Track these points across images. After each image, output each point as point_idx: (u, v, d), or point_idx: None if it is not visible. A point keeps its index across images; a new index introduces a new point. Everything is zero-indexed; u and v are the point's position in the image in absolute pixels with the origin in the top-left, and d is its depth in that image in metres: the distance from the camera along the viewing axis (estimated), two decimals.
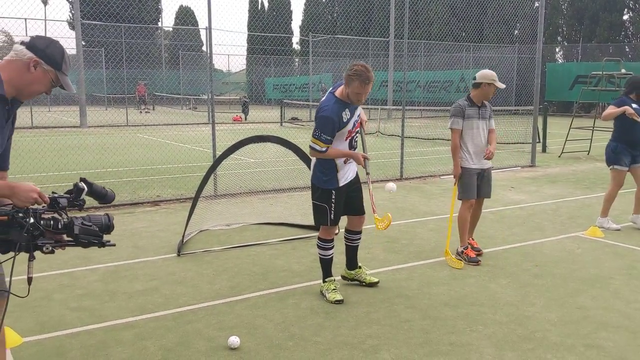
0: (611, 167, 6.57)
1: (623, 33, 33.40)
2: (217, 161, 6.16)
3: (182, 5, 51.32)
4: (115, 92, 31.87)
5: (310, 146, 4.20)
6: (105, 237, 2.41)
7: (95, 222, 2.38)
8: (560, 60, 35.95)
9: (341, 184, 4.31)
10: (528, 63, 25.61)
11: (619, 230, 6.50)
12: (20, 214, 2.24)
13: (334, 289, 4.41)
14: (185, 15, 49.32)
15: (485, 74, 5.28)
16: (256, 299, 4.43)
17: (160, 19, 45.70)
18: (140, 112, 29.10)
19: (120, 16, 29.56)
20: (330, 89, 4.35)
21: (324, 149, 4.15)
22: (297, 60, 47.58)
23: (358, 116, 4.36)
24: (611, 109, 6.48)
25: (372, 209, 4.38)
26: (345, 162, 4.32)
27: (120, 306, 4.26)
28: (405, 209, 7.69)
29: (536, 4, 27.56)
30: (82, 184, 2.41)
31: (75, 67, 20.52)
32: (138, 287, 4.67)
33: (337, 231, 4.55)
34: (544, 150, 14.36)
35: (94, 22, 25.92)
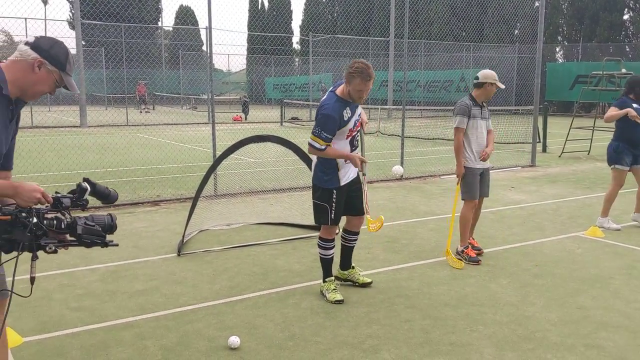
0: (612, 166, 6.57)
1: (623, 33, 33.39)
2: (217, 161, 6.16)
3: (182, 5, 51.33)
4: (116, 91, 31.88)
5: (309, 143, 4.20)
6: (108, 237, 2.42)
7: (98, 222, 2.39)
8: (560, 60, 35.95)
9: (342, 183, 4.31)
10: (528, 63, 25.60)
11: (619, 230, 6.50)
12: (24, 214, 2.25)
13: (334, 289, 4.41)
14: (185, 15, 49.31)
15: (488, 74, 5.30)
16: (256, 298, 4.43)
17: (160, 19, 45.71)
18: (141, 112, 29.10)
19: (121, 16, 29.56)
20: (331, 88, 4.35)
21: (323, 147, 4.14)
22: (297, 60, 47.57)
23: (359, 115, 4.36)
24: (613, 111, 6.48)
25: (365, 210, 4.37)
26: (346, 162, 4.31)
27: (121, 306, 4.26)
28: (405, 209, 7.69)
29: (536, 4, 27.56)
30: (85, 184, 2.42)
31: (75, 67, 20.47)
32: (138, 287, 4.67)
33: (337, 231, 4.55)
34: (544, 150, 14.36)
35: (94, 22, 25.91)
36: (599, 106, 22.94)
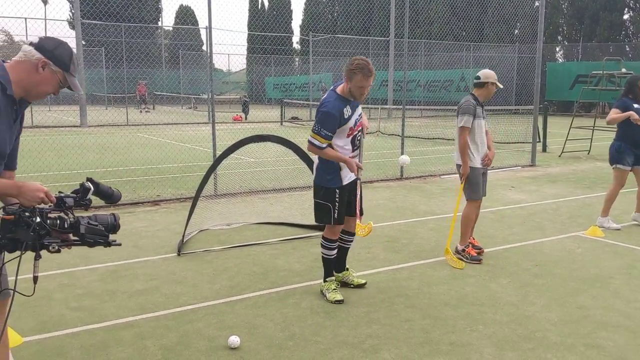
0: (614, 166, 6.58)
1: (623, 32, 33.39)
2: (217, 161, 6.16)
3: (182, 5, 51.31)
4: (116, 91, 31.89)
5: (309, 141, 4.20)
6: (111, 237, 2.43)
7: (102, 221, 2.40)
8: (560, 60, 35.95)
9: (344, 182, 4.31)
10: (528, 62, 25.61)
11: (619, 229, 6.50)
12: (27, 213, 2.26)
13: (334, 289, 4.41)
14: (185, 15, 49.30)
15: (489, 73, 5.32)
16: (256, 298, 4.43)
17: (160, 19, 45.70)
18: (141, 112, 29.11)
19: (121, 15, 29.55)
20: (331, 87, 4.35)
21: (324, 146, 4.15)
22: (297, 59, 47.58)
23: (360, 116, 4.36)
24: (615, 114, 6.48)
25: (357, 214, 4.34)
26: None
27: (120, 306, 4.26)
28: (405, 209, 7.69)
29: (536, 3, 27.55)
30: (89, 184, 2.43)
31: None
32: (138, 287, 4.67)
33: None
34: (544, 149, 14.35)
35: (94, 22, 25.90)
36: (599, 106, 22.92)
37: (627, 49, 32.65)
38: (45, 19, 35.30)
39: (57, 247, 2.30)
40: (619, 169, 6.54)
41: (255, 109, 31.03)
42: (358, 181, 4.36)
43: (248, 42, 47.78)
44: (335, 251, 4.45)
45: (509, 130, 16.31)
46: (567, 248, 5.82)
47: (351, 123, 4.24)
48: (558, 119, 24.90)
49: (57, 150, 12.40)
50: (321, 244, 4.46)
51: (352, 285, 4.65)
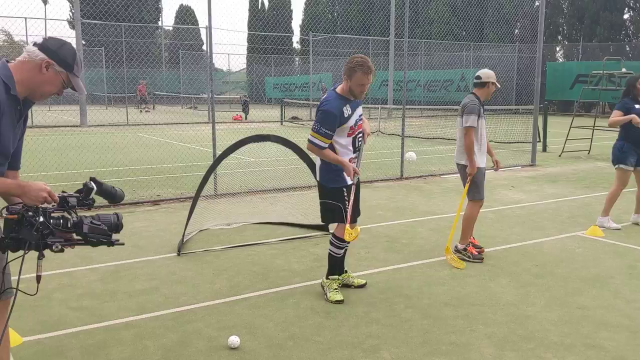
0: (617, 166, 6.58)
1: (623, 32, 33.38)
2: (217, 160, 6.16)
3: (182, 5, 51.32)
4: (116, 91, 31.89)
5: (309, 140, 4.20)
6: (114, 236, 2.43)
7: (105, 221, 2.41)
8: (560, 60, 35.95)
9: (349, 182, 4.31)
10: (528, 62, 25.61)
11: (619, 229, 6.50)
12: (30, 213, 2.27)
13: (335, 289, 4.40)
14: (185, 15, 49.30)
15: (489, 73, 5.36)
16: (256, 298, 4.43)
17: (160, 18, 45.72)
18: (141, 112, 29.12)
19: (121, 15, 29.58)
20: (331, 87, 4.37)
21: (325, 145, 4.15)
22: (297, 59, 47.58)
23: (360, 116, 4.37)
24: (617, 117, 6.49)
25: (347, 217, 4.28)
26: (350, 161, 4.30)
27: (120, 306, 4.26)
28: (405, 209, 7.69)
29: (537, 3, 27.57)
30: (92, 183, 2.44)
31: None
32: (138, 287, 4.66)
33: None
34: (544, 149, 14.35)
35: (94, 22, 25.93)
36: (599, 105, 22.92)
37: (627, 49, 32.65)
38: (45, 19, 35.27)
39: (60, 247, 2.31)
40: (621, 169, 6.54)
41: (255, 108, 31.05)
42: (352, 186, 4.33)
43: (248, 42, 47.79)
44: (343, 250, 4.44)
45: (509, 130, 16.30)
46: (567, 248, 5.82)
47: (351, 122, 4.24)
48: (558, 118, 24.89)
49: (57, 149, 12.40)
50: (331, 241, 4.43)
51: (353, 286, 4.65)
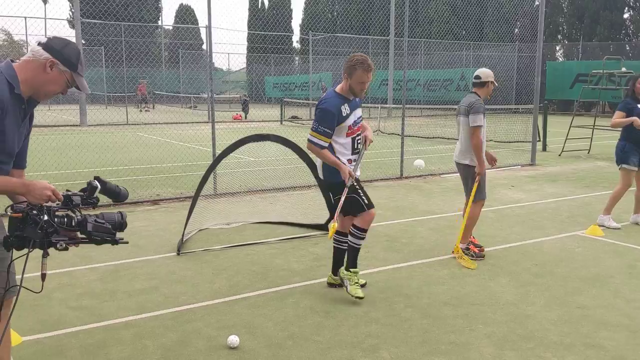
0: (620, 166, 6.59)
1: (623, 31, 33.36)
2: (217, 160, 6.16)
3: (182, 4, 51.23)
4: (115, 90, 31.88)
5: (308, 139, 4.19)
6: (118, 235, 2.44)
7: (109, 219, 2.42)
8: (560, 59, 35.93)
9: (355, 173, 4.30)
10: (528, 61, 25.59)
11: (619, 229, 6.50)
12: (35, 211, 2.29)
13: (356, 282, 4.35)
14: (185, 14, 49.26)
15: (488, 72, 5.40)
16: (256, 298, 4.43)
17: (160, 18, 45.69)
18: (141, 111, 29.11)
19: (120, 15, 29.56)
20: (331, 87, 4.37)
21: (325, 145, 4.15)
22: (297, 58, 47.56)
23: (359, 118, 4.37)
24: (619, 119, 6.50)
25: (335, 216, 4.23)
26: (349, 162, 4.30)
27: (120, 305, 4.26)
28: (405, 208, 7.69)
29: (536, 3, 27.54)
30: (96, 182, 2.46)
31: None
32: (138, 286, 4.66)
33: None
34: (544, 149, 14.35)
35: (93, 21, 25.89)
36: (599, 105, 22.93)
37: (627, 48, 32.64)
38: (45, 18, 35.28)
39: (64, 245, 2.33)
40: (625, 169, 6.54)
41: (255, 108, 31.03)
42: (345, 189, 4.26)
43: (248, 41, 47.75)
44: (363, 241, 4.38)
45: (509, 129, 16.30)
46: (567, 247, 5.82)
47: (349, 122, 4.24)
48: (558, 118, 24.88)
49: (57, 149, 12.39)
50: (352, 233, 4.36)
51: None
